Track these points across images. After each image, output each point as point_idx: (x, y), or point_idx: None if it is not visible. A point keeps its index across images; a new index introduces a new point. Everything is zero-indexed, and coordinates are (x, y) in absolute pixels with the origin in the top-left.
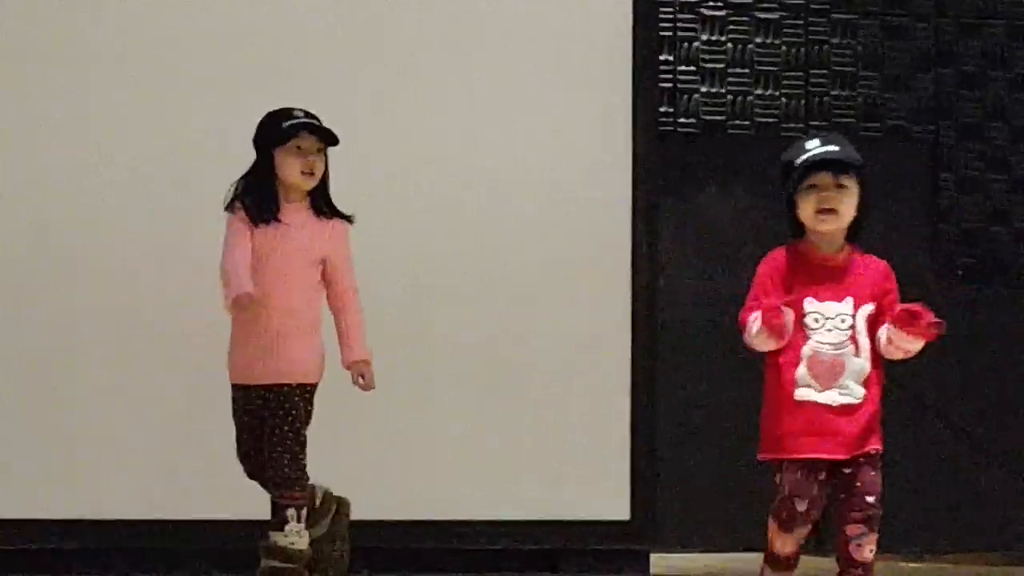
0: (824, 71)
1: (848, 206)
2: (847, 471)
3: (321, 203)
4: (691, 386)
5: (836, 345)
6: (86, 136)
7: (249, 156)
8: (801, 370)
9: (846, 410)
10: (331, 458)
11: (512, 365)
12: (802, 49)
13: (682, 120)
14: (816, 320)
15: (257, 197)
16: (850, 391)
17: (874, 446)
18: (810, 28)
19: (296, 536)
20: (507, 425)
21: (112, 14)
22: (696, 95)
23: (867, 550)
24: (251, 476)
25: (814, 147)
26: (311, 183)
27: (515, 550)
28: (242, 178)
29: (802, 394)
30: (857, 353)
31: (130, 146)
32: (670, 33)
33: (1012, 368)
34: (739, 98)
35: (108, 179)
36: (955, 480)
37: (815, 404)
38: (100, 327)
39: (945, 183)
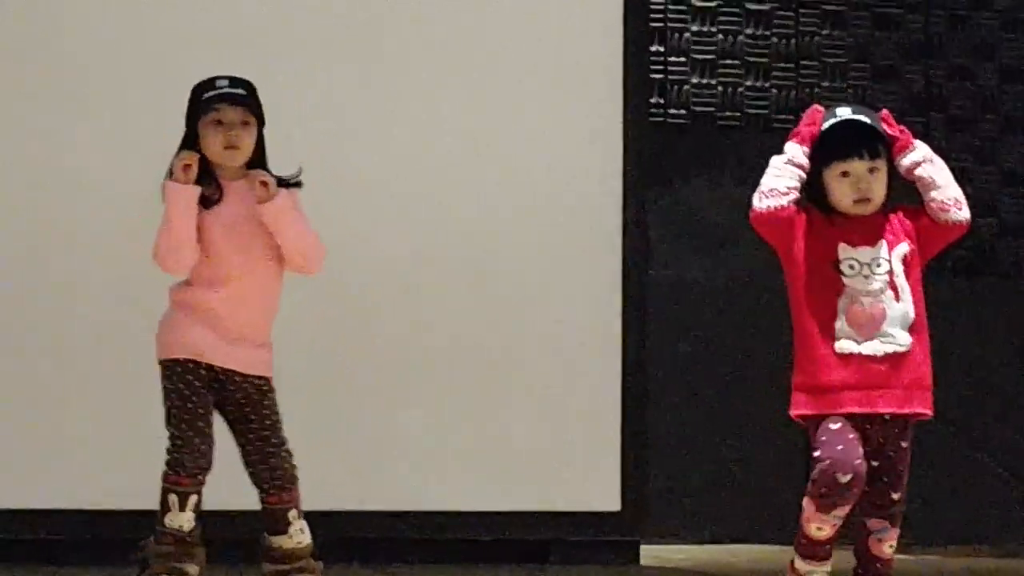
0: (815, 62)
1: (881, 188)
2: (875, 463)
3: (258, 176)
4: (681, 377)
5: (875, 292)
6: (74, 137)
7: None
8: (840, 321)
9: (892, 359)
10: (324, 449)
11: (503, 357)
12: (792, 40)
13: (672, 111)
14: (851, 267)
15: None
16: (894, 338)
17: (922, 408)
18: (801, 19)
19: (300, 534)
20: (498, 416)
21: (109, 15)
22: (686, 86)
23: (888, 545)
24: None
25: (844, 116)
26: (237, 159)
27: (506, 540)
28: (175, 156)
29: (843, 346)
30: (898, 298)
31: (116, 147)
32: (661, 24)
33: (1003, 361)
34: (729, 89)
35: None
36: (944, 472)
37: (859, 356)
38: (80, 320)
39: None
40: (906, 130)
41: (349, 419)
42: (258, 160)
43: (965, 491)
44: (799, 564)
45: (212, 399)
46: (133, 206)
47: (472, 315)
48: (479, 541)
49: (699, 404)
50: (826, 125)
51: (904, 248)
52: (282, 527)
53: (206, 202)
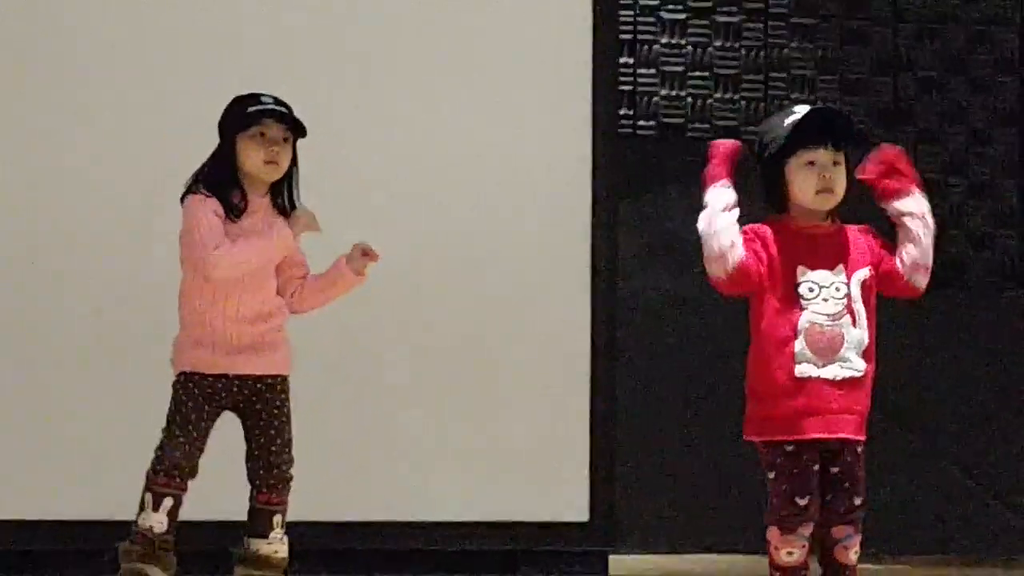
0: (783, 75)
1: (842, 183)
2: (835, 470)
3: (282, 198)
4: (650, 388)
5: (833, 316)
6: (74, 137)
7: None
8: (799, 344)
9: (849, 385)
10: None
11: (471, 367)
12: (761, 53)
13: (641, 123)
14: (811, 290)
15: (219, 187)
16: (852, 364)
17: (859, 435)
18: (769, 32)
19: (280, 544)
20: (466, 427)
21: (109, 15)
22: (656, 98)
23: (853, 552)
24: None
25: (806, 109)
26: (274, 174)
27: (475, 551)
28: (203, 167)
29: (803, 370)
30: (855, 323)
31: (114, 148)
32: (630, 36)
33: (970, 371)
34: (699, 101)
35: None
36: (913, 482)
37: (817, 380)
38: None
39: None
40: (914, 175)
41: (318, 429)
42: (287, 177)
43: (934, 501)
44: None
45: (217, 409)
46: (131, 207)
47: (439, 325)
48: (447, 552)
49: (668, 415)
50: (789, 121)
51: (864, 273)
52: (265, 530)
53: (232, 211)
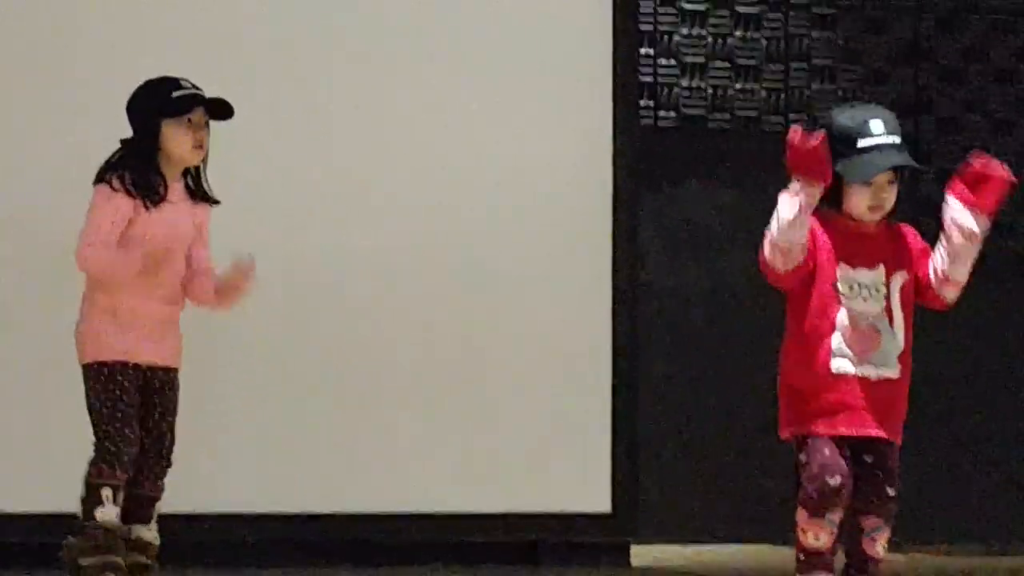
0: (804, 64)
1: (893, 198)
2: (869, 459)
3: (195, 182)
4: (672, 379)
5: (872, 315)
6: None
7: None
8: (836, 339)
9: (884, 385)
10: (313, 452)
11: (494, 359)
12: (782, 43)
13: (662, 114)
14: (851, 287)
15: (143, 173)
16: (887, 365)
17: (895, 437)
18: (790, 22)
19: (156, 532)
20: (489, 419)
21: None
22: (676, 88)
23: (880, 545)
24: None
25: (880, 138)
26: (199, 158)
27: (496, 542)
28: (121, 151)
29: (839, 365)
30: (892, 325)
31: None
32: (650, 27)
33: (994, 361)
34: (719, 92)
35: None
36: (934, 472)
37: (853, 377)
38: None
39: (925, 176)
40: (995, 201)
41: (338, 422)
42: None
43: (955, 491)
44: None
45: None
46: None
47: (463, 317)
48: (469, 543)
49: (689, 407)
50: (862, 144)
51: (903, 277)
52: (147, 517)
53: (153, 197)
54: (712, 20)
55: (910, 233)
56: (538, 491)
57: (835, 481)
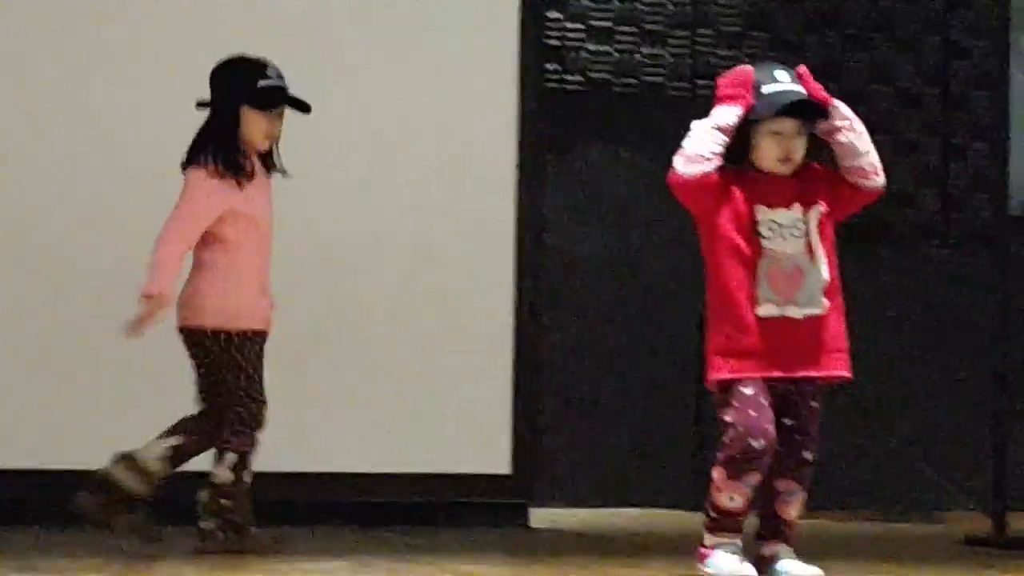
0: (711, 31)
1: (803, 149)
2: (788, 422)
3: (271, 158)
4: (575, 343)
5: (793, 255)
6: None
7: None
8: (761, 283)
9: (812, 323)
10: None
11: (396, 320)
12: (689, 8)
13: (568, 78)
14: (770, 228)
15: (231, 154)
16: (813, 302)
17: (841, 371)
18: None
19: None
20: (390, 380)
21: None
22: (583, 53)
23: (794, 508)
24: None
25: (785, 85)
26: (267, 146)
27: (396, 503)
28: (205, 132)
29: (765, 310)
30: (814, 261)
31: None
32: None
33: (892, 327)
34: (626, 56)
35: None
36: (838, 438)
37: (780, 319)
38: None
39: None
40: (822, 89)
41: None
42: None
43: (858, 457)
44: (710, 540)
45: None
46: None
47: (366, 280)
48: (369, 503)
49: (591, 370)
50: (766, 89)
51: (819, 210)
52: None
53: (243, 175)
54: None
55: (816, 168)
56: (437, 452)
57: (759, 444)
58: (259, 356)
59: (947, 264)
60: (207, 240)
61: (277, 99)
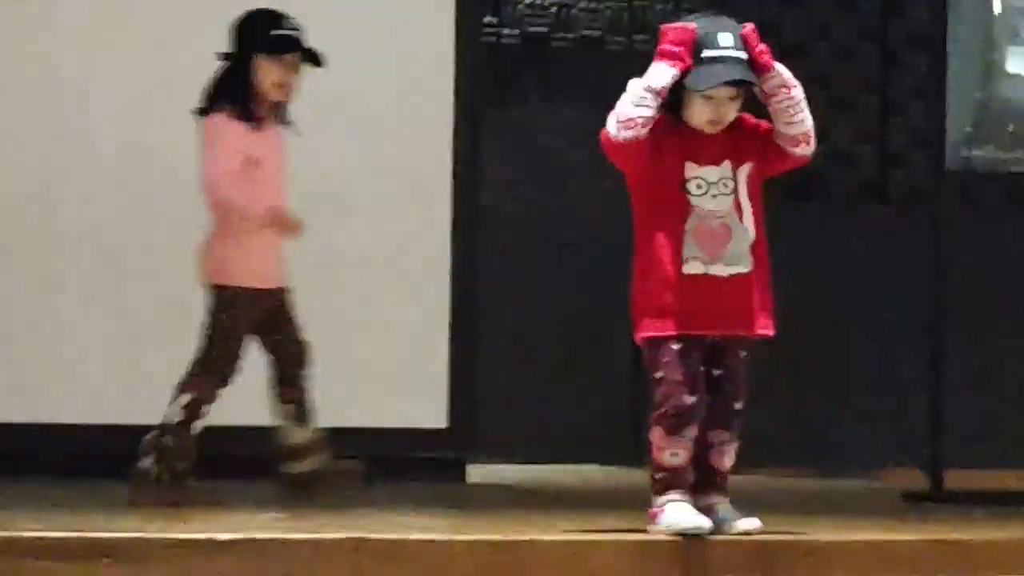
0: None
1: (735, 112)
2: (717, 372)
3: (283, 113)
4: (512, 298)
5: (722, 213)
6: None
7: None
8: (687, 240)
9: (738, 280)
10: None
11: (331, 273)
12: None
13: (505, 31)
14: (699, 186)
15: (244, 101)
16: (740, 259)
17: (765, 329)
18: None
19: None
20: (325, 332)
21: None
22: (520, 6)
23: (728, 458)
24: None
25: (726, 51)
26: (283, 97)
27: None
28: (219, 79)
29: (691, 268)
30: (742, 218)
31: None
32: None
33: (830, 285)
34: (563, 10)
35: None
36: (770, 396)
37: (705, 277)
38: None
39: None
40: (767, 51)
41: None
42: None
43: (794, 415)
44: (660, 500)
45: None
46: None
47: (303, 231)
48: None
49: (529, 324)
50: (706, 54)
51: (748, 167)
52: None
53: (254, 123)
54: None
55: (746, 120)
56: (374, 407)
57: (691, 399)
58: (249, 313)
59: (884, 222)
60: None
61: (286, 47)
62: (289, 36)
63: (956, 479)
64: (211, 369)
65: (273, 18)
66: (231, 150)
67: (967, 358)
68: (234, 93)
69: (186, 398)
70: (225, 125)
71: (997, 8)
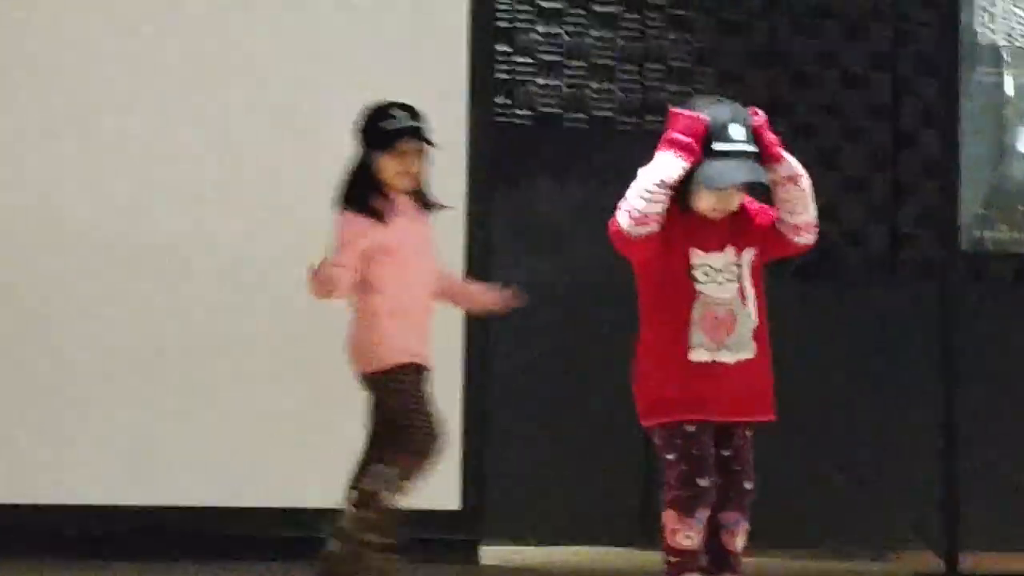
0: (660, 66)
1: (739, 201)
2: (726, 453)
3: (422, 197)
4: (524, 378)
5: (727, 300)
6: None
7: None
8: (693, 328)
9: (744, 367)
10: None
11: (341, 347)
12: (638, 43)
13: (518, 111)
14: (705, 273)
15: (366, 198)
16: (743, 347)
17: (767, 415)
18: (647, 23)
19: None
20: (334, 411)
21: None
22: (532, 87)
23: (739, 539)
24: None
25: (736, 145)
26: (408, 184)
27: None
28: (347, 176)
29: (697, 355)
30: (745, 304)
31: None
32: (507, 24)
33: (843, 362)
34: (575, 91)
35: None
36: (784, 474)
37: (712, 364)
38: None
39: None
40: (777, 142)
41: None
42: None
43: (807, 495)
44: None
45: None
46: None
47: (306, 314)
48: (316, 537)
49: (541, 405)
50: (717, 147)
51: (751, 253)
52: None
53: (378, 216)
54: (569, 19)
55: (750, 207)
56: None
57: (705, 483)
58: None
59: (895, 300)
60: (358, 287)
61: (401, 135)
62: (400, 128)
63: (970, 562)
64: None
65: (381, 111)
66: (347, 245)
67: (980, 438)
68: (355, 189)
69: None
70: (347, 221)
71: (1009, 90)
